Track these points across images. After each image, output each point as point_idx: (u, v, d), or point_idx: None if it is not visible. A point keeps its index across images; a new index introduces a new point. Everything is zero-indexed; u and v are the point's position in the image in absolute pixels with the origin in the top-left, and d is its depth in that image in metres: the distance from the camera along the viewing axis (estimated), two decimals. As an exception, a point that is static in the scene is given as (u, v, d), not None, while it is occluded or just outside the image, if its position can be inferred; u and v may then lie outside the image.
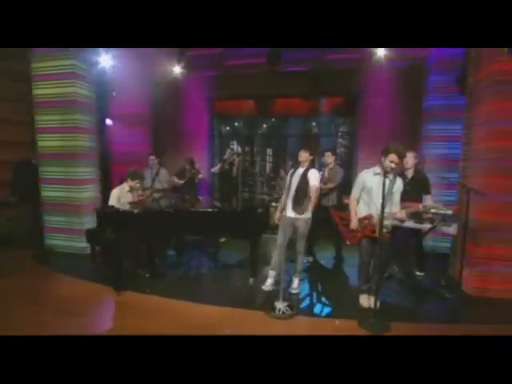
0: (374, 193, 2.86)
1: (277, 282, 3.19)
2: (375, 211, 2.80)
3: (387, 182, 2.58)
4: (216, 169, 6.01)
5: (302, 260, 3.40)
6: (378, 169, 2.89)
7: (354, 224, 2.89)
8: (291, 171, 3.29)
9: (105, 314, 3.01)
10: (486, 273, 3.23)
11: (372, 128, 5.66)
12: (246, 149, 7.36)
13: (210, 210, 3.42)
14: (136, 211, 3.26)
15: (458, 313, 2.96)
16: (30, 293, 3.29)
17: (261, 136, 7.21)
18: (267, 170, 7.57)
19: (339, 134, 6.64)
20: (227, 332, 2.59)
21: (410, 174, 3.58)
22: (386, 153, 2.75)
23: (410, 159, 3.53)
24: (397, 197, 2.88)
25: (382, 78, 5.06)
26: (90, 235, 3.56)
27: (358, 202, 3.01)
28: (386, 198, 2.55)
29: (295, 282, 3.38)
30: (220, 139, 7.18)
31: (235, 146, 7.44)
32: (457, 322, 2.79)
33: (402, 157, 2.78)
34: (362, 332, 2.57)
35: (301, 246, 3.27)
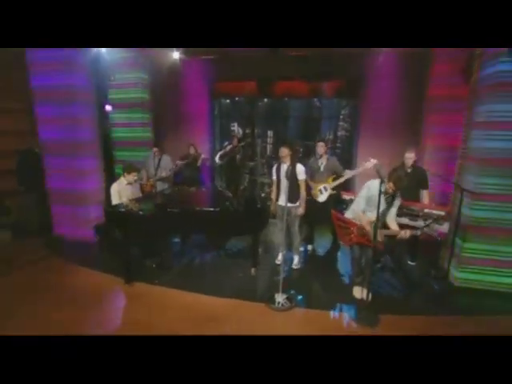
0: (373, 204, 2.94)
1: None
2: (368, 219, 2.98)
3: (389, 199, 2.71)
4: (221, 153, 6.08)
5: (298, 240, 3.92)
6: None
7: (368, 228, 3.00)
8: (275, 166, 3.82)
9: (116, 305, 3.25)
10: (472, 266, 3.44)
11: (374, 113, 5.62)
12: (247, 131, 7.32)
13: (212, 209, 3.53)
14: (142, 212, 3.37)
15: (443, 303, 3.21)
16: (43, 284, 3.51)
17: (261, 118, 7.14)
18: (268, 151, 7.57)
19: (341, 116, 6.58)
20: (230, 324, 2.83)
21: (409, 170, 3.68)
22: (391, 176, 2.90)
23: (410, 160, 3.61)
24: (394, 211, 3.04)
25: (386, 63, 4.95)
26: (99, 230, 3.73)
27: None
28: (384, 211, 2.69)
29: (295, 260, 3.95)
30: (220, 121, 7.13)
31: (236, 128, 7.40)
32: (442, 313, 3.03)
33: (397, 186, 2.89)
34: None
35: (295, 228, 3.85)
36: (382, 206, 2.79)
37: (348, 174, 4.06)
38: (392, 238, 3.07)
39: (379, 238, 2.86)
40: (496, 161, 3.16)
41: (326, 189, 4.06)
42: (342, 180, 4.03)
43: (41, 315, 2.93)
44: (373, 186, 2.99)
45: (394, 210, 3.02)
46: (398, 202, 3.05)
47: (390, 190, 2.88)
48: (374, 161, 3.78)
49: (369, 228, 2.96)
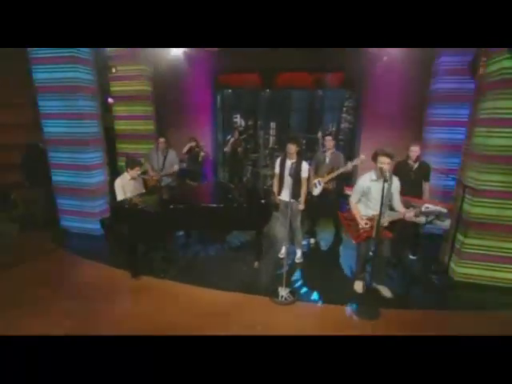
0: (372, 197, 3.03)
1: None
2: (373, 212, 3.02)
3: (386, 185, 2.70)
4: (227, 146, 6.13)
5: (300, 234, 3.97)
6: (374, 175, 3.03)
7: (363, 224, 3.05)
8: (280, 159, 3.79)
9: (122, 298, 3.30)
10: (472, 261, 3.48)
11: (378, 106, 5.56)
12: (249, 122, 7.29)
13: (216, 205, 3.55)
14: (147, 209, 3.40)
15: (443, 297, 3.27)
16: (50, 277, 3.58)
17: (264, 109, 7.10)
18: (270, 143, 7.54)
19: (344, 109, 6.51)
20: (234, 317, 2.89)
21: (414, 166, 3.68)
22: (375, 158, 2.93)
23: (414, 153, 3.60)
24: (396, 195, 3.05)
25: (389, 56, 4.86)
26: (105, 224, 3.77)
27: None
28: (385, 199, 2.70)
29: (298, 253, 4.00)
30: (223, 113, 7.10)
31: (238, 120, 7.37)
32: (442, 307, 3.10)
33: (390, 156, 2.87)
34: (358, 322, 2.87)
35: (296, 223, 3.88)
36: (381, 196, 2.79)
37: (339, 169, 4.11)
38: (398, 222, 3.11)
39: (384, 224, 2.94)
40: (498, 158, 3.15)
41: (319, 183, 4.19)
42: (333, 175, 4.12)
43: (48, 308, 3.00)
44: (365, 181, 3.06)
45: (395, 193, 3.02)
46: (396, 184, 3.03)
47: (385, 166, 2.81)
48: (361, 157, 4.00)
49: (360, 221, 3.05)
